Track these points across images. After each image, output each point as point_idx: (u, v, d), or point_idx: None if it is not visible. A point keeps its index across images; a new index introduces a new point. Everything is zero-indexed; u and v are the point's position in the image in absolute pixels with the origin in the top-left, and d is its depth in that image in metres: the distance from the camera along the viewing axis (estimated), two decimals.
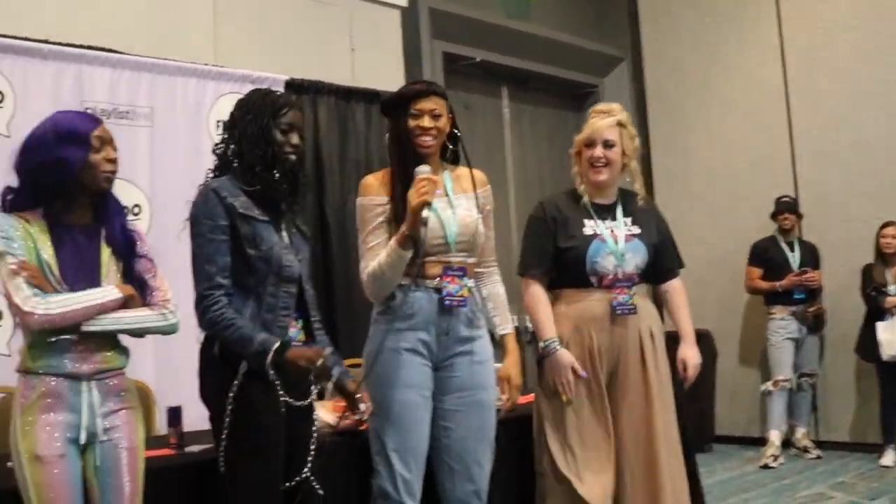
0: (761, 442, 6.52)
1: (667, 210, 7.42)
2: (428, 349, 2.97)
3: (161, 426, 3.87)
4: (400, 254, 2.83)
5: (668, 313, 3.71)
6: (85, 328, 2.39)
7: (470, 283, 3.03)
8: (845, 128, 6.60)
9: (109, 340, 2.49)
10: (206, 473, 2.81)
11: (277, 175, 2.71)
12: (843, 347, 6.49)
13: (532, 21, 7.21)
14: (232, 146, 2.76)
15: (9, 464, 2.45)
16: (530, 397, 3.57)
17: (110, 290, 2.46)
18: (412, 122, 2.97)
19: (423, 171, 2.83)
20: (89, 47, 4.51)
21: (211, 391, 2.68)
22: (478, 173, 3.20)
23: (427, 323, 2.96)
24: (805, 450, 6.45)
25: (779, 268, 6.51)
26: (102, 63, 4.54)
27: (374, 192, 3.01)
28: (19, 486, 2.36)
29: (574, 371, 3.25)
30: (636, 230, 3.46)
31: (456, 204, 3.04)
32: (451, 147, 3.10)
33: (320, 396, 3.16)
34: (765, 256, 6.62)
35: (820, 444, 6.54)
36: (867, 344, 6.12)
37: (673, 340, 3.59)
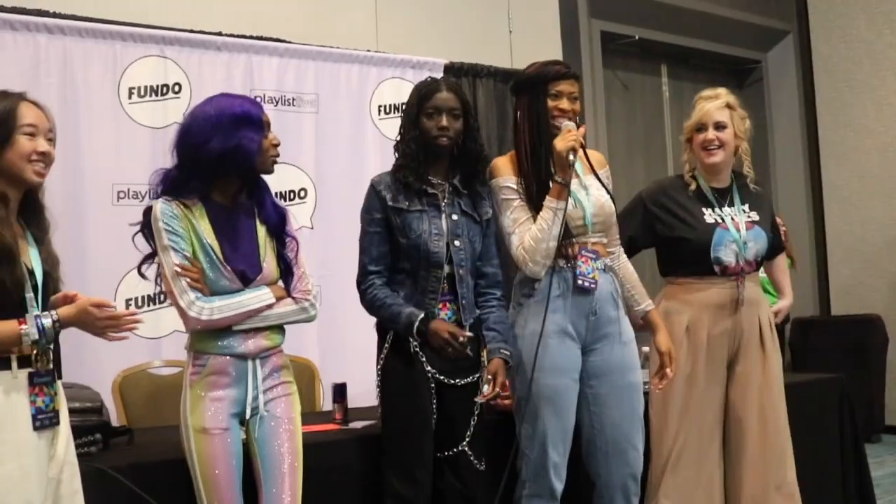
0: None
1: (836, 189, 7.30)
2: (577, 331, 2.97)
3: (325, 402, 4.02)
4: (559, 206, 2.85)
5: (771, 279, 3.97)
6: (236, 328, 2.51)
7: (602, 263, 3.01)
8: None
9: None
10: (370, 448, 2.92)
11: (417, 162, 2.82)
12: None
13: None
14: (396, 143, 2.93)
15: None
16: None
17: (265, 294, 2.55)
18: (551, 103, 2.97)
19: (569, 125, 2.90)
20: (258, 38, 4.71)
21: (375, 366, 2.89)
22: (597, 154, 3.21)
23: (574, 304, 2.95)
24: None
25: None
26: (270, 52, 4.72)
27: (507, 172, 3.02)
28: (186, 455, 2.50)
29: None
30: (755, 216, 3.40)
31: (587, 184, 3.04)
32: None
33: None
34: None
35: None
36: None
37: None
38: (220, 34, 4.59)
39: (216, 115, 2.49)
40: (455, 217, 2.87)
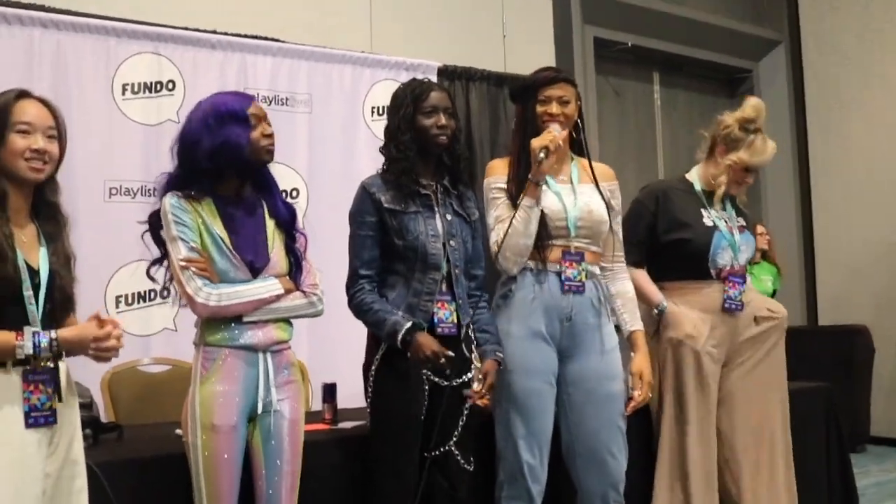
0: None
1: (824, 201, 7.32)
2: (551, 334, 2.96)
3: (314, 402, 4.02)
4: (529, 204, 2.87)
5: None
6: (246, 319, 2.50)
7: (590, 268, 3.00)
8: None
9: None
10: (359, 449, 2.92)
11: (412, 163, 2.82)
12: None
13: (685, 4, 7.06)
14: (384, 148, 2.90)
15: (177, 431, 2.61)
16: None
17: (274, 284, 2.54)
18: (540, 109, 2.99)
19: (554, 127, 2.91)
20: (253, 37, 4.72)
21: (364, 367, 2.87)
22: (605, 167, 3.20)
23: (549, 308, 2.95)
24: None
25: None
26: (264, 52, 4.73)
27: (498, 172, 3.04)
28: (187, 452, 2.48)
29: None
30: (742, 221, 3.49)
31: (579, 191, 3.03)
32: (574, 136, 3.09)
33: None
34: None
35: None
36: None
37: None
38: (214, 32, 4.59)
39: (204, 116, 2.53)
40: (449, 217, 2.88)
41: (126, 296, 4.21)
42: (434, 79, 5.19)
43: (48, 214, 2.28)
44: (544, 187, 2.94)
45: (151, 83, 4.40)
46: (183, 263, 2.44)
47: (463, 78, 5.40)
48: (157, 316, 4.19)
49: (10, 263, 2.10)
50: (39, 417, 2.12)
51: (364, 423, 3.06)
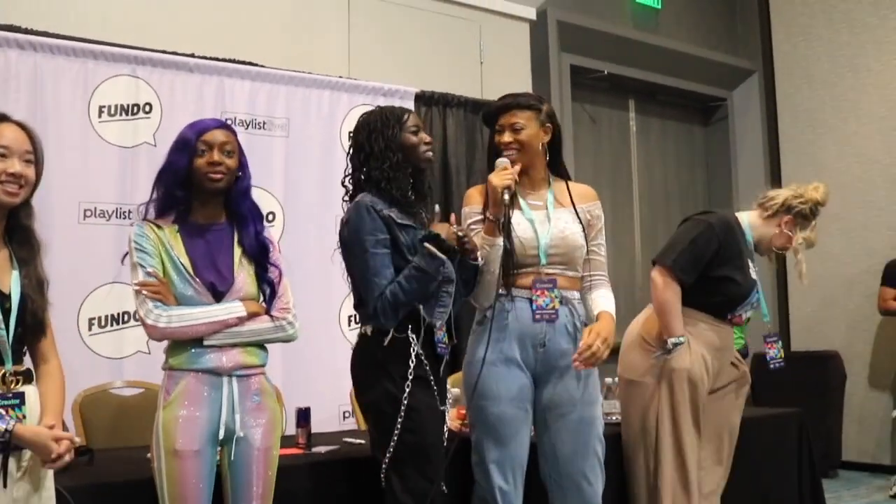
0: (891, 470, 6.29)
1: None
2: (524, 360, 2.96)
3: (288, 426, 4.00)
4: (490, 242, 2.87)
5: None
6: (207, 342, 2.48)
7: (564, 294, 2.98)
8: None
9: None
10: (333, 474, 2.91)
11: (412, 179, 2.84)
12: None
13: (660, 33, 7.15)
14: (364, 169, 2.84)
15: (147, 455, 2.59)
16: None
17: (235, 307, 2.53)
18: (497, 138, 3.03)
19: (502, 162, 2.91)
20: (231, 60, 4.73)
21: (376, 398, 2.73)
22: (584, 187, 3.19)
23: (522, 335, 2.95)
24: None
25: None
26: (242, 76, 4.74)
27: (474, 202, 3.05)
28: (154, 476, 2.47)
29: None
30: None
31: (554, 217, 3.02)
32: (548, 159, 3.08)
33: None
34: None
35: None
36: None
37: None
38: (192, 56, 4.59)
39: (173, 142, 2.60)
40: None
41: (99, 318, 4.19)
42: (411, 104, 5.23)
43: (22, 238, 2.27)
44: (517, 213, 2.96)
45: (128, 105, 4.40)
46: (136, 287, 2.46)
47: (440, 104, 5.43)
48: (131, 338, 4.16)
49: None
50: (3, 443, 2.09)
51: (339, 448, 3.05)
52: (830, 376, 6.77)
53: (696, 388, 3.34)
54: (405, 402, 2.66)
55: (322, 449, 3.22)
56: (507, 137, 2.99)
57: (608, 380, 3.73)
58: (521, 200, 3.01)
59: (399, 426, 2.66)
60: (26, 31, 4.15)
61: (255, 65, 4.80)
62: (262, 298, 2.61)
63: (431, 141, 2.91)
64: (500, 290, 2.92)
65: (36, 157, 2.26)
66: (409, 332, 2.73)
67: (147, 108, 4.44)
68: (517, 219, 2.97)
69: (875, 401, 6.86)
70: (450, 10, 5.77)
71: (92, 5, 4.46)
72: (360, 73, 5.22)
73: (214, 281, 2.52)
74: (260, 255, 2.63)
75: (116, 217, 4.26)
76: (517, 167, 2.93)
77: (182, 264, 2.49)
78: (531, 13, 6.15)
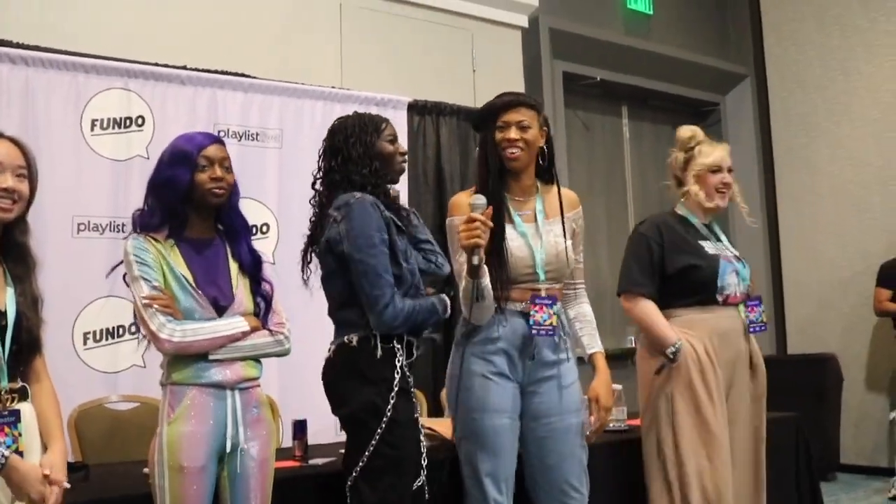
0: (889, 472, 6.28)
1: (791, 229, 7.40)
2: (514, 372, 2.93)
3: (285, 438, 3.99)
4: (468, 282, 2.76)
5: None
6: (212, 357, 2.48)
7: (557, 309, 2.96)
8: None
9: None
10: (330, 485, 2.89)
11: (391, 186, 2.83)
12: None
13: (652, 39, 7.17)
14: (343, 172, 2.78)
15: (144, 470, 2.57)
16: (636, 420, 3.63)
17: (239, 321, 2.54)
18: (499, 135, 2.94)
19: (480, 204, 2.68)
20: (223, 72, 4.72)
21: (357, 409, 2.67)
22: (570, 194, 3.15)
23: (513, 346, 2.92)
24: None
25: None
26: (235, 87, 4.74)
27: (461, 211, 2.89)
28: (153, 492, 2.44)
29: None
30: (735, 251, 3.57)
31: (545, 231, 2.99)
32: (541, 163, 3.05)
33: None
34: (895, 277, 6.36)
35: None
36: None
37: None
38: (184, 68, 4.59)
39: (163, 155, 2.59)
40: None
41: (94, 332, 4.17)
42: (404, 113, 5.23)
43: (17, 255, 2.26)
44: (509, 227, 2.94)
45: (121, 119, 4.39)
46: (146, 301, 2.43)
47: (433, 113, 5.43)
48: (126, 352, 4.14)
49: None
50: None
51: (335, 460, 3.03)
52: (827, 379, 6.77)
53: (702, 366, 3.32)
54: (388, 413, 2.62)
55: (319, 461, 3.21)
56: (514, 134, 2.91)
57: (616, 386, 3.72)
58: (511, 212, 2.98)
59: (377, 437, 2.61)
60: (17, 46, 4.14)
61: (248, 76, 4.80)
62: (257, 312, 2.61)
63: (406, 152, 2.89)
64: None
65: (29, 173, 2.25)
66: (395, 342, 2.71)
67: (140, 121, 4.44)
68: (510, 234, 2.93)
69: (872, 403, 6.88)
70: (442, 18, 5.77)
71: (83, 19, 4.46)
72: (353, 83, 5.22)
73: (217, 296, 2.52)
74: (254, 270, 2.64)
75: (110, 230, 4.25)
76: (489, 211, 2.67)
77: (185, 279, 2.49)
78: (523, 21, 6.16)
